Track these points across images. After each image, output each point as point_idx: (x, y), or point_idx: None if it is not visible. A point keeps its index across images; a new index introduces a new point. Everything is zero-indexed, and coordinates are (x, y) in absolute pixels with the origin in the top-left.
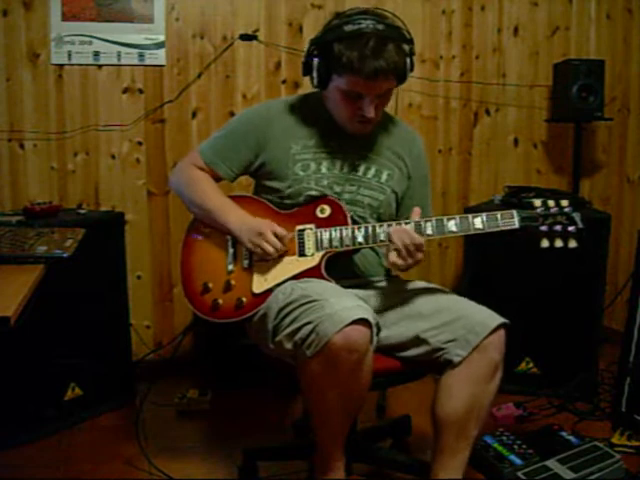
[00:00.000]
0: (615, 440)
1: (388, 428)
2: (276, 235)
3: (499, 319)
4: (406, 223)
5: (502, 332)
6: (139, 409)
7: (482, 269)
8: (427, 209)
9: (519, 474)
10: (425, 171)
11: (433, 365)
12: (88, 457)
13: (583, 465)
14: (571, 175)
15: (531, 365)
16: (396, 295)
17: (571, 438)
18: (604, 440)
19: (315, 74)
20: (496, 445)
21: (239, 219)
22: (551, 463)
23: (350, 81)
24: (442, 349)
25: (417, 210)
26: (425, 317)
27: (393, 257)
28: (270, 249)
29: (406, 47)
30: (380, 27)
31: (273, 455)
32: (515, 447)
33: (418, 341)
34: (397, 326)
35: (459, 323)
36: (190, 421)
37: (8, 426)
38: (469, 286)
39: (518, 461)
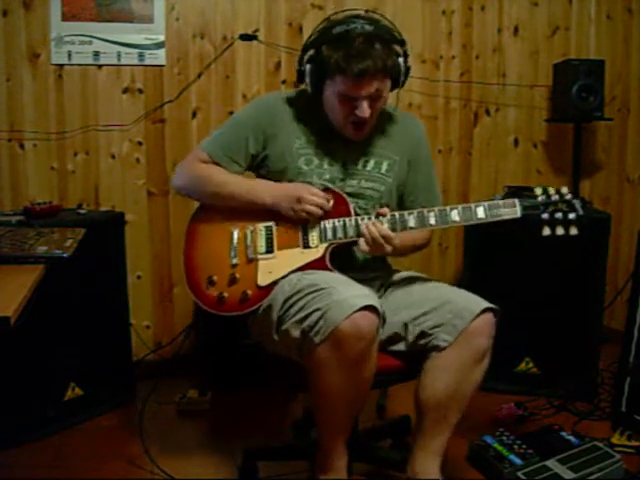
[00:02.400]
0: (615, 440)
1: (388, 428)
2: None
3: (485, 304)
4: (409, 214)
5: (489, 317)
6: (142, 409)
7: (481, 269)
8: (434, 190)
9: (519, 474)
10: (427, 153)
11: (423, 355)
12: (88, 457)
13: (583, 465)
14: (571, 175)
15: (531, 365)
16: (393, 287)
17: (571, 438)
18: (604, 440)
19: (308, 80)
20: (496, 445)
21: (270, 191)
22: (551, 463)
23: (341, 83)
24: (429, 335)
25: (385, 209)
26: (413, 305)
27: (362, 245)
28: (315, 209)
29: (397, 48)
30: (368, 28)
31: (273, 455)
32: (515, 447)
33: (406, 328)
34: (389, 319)
35: (446, 308)
36: (190, 421)
37: (8, 426)
38: (468, 286)
39: (518, 461)
